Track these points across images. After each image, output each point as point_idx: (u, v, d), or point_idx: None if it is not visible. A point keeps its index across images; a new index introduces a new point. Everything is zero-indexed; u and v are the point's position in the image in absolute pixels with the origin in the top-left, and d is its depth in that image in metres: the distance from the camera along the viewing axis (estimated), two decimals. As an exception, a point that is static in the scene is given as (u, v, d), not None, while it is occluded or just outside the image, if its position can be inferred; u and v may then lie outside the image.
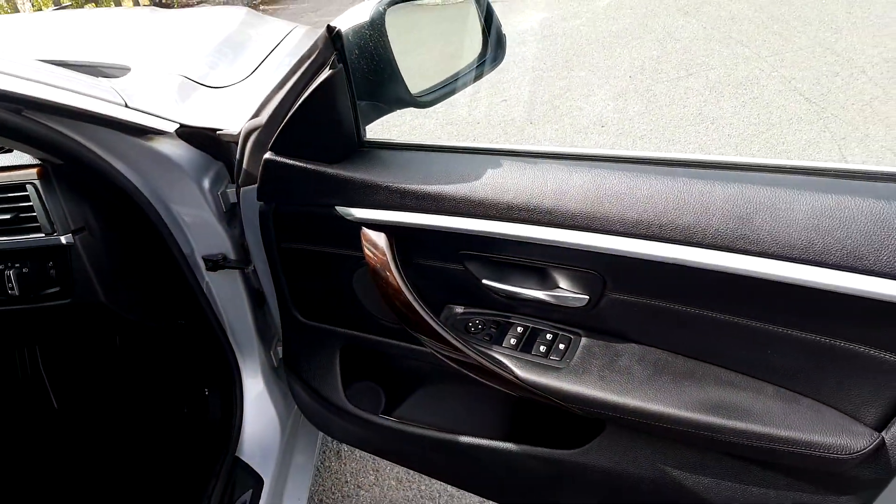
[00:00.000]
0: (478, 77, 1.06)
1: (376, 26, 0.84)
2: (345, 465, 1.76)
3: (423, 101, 0.95)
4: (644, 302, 0.85)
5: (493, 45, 1.06)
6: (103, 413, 1.74)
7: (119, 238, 1.25)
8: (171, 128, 1.00)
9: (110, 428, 1.71)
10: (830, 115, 3.32)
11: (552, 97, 3.97)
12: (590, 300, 0.88)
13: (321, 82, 0.85)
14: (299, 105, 0.89)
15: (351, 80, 0.86)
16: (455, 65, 1.04)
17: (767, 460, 0.83)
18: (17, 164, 1.15)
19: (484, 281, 0.95)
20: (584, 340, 0.94)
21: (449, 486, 1.63)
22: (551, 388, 0.89)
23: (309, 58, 0.87)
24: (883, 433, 0.74)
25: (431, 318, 0.92)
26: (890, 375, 0.71)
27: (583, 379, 0.88)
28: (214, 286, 1.21)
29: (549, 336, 0.95)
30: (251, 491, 1.28)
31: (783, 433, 0.76)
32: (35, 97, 0.86)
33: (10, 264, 1.18)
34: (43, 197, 1.13)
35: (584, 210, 0.80)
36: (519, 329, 0.97)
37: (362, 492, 1.69)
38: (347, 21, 0.84)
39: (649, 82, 4.00)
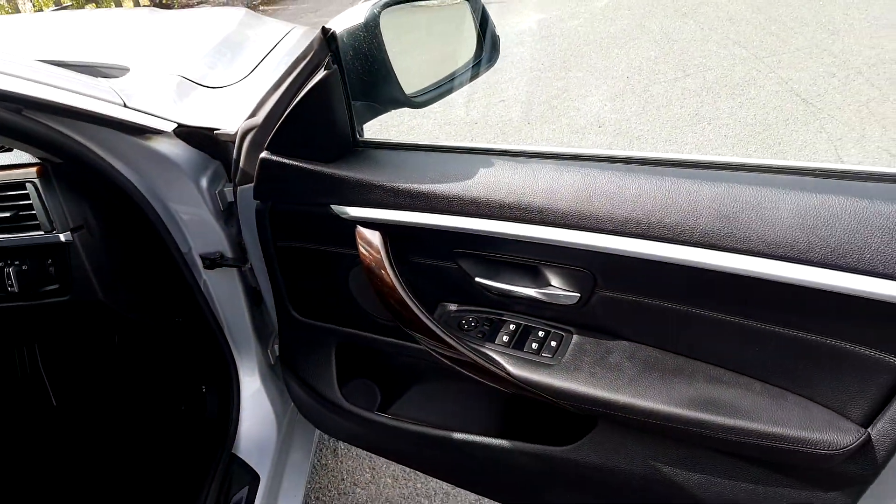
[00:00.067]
0: (473, 78, 1.07)
1: (370, 28, 0.85)
2: (341, 462, 1.77)
3: (417, 102, 0.96)
4: (634, 299, 0.86)
5: (488, 46, 1.07)
6: (101, 410, 1.76)
7: (117, 236, 1.26)
8: (169, 127, 1.01)
9: (108, 425, 1.72)
10: (827, 116, 3.33)
11: (550, 98, 3.99)
12: (580, 298, 0.89)
13: (316, 83, 0.86)
14: (295, 105, 0.90)
15: (346, 80, 0.87)
16: (449, 66, 1.05)
17: (756, 456, 0.84)
18: (17, 162, 1.16)
19: (477, 279, 0.96)
20: (575, 338, 0.95)
21: (444, 483, 1.64)
22: (543, 385, 0.90)
23: (304, 59, 0.88)
24: (869, 429, 0.74)
25: (425, 315, 0.93)
26: (875, 372, 0.72)
27: (574, 375, 0.89)
28: (212, 284, 1.22)
29: (540, 333, 0.96)
30: (247, 488, 1.29)
31: (771, 429, 0.77)
32: (35, 97, 0.87)
33: (9, 262, 1.19)
34: (42, 195, 1.15)
35: (574, 209, 0.81)
36: (511, 326, 0.98)
37: (358, 489, 1.70)
38: (342, 23, 0.85)
39: (646, 83, 4.01)
